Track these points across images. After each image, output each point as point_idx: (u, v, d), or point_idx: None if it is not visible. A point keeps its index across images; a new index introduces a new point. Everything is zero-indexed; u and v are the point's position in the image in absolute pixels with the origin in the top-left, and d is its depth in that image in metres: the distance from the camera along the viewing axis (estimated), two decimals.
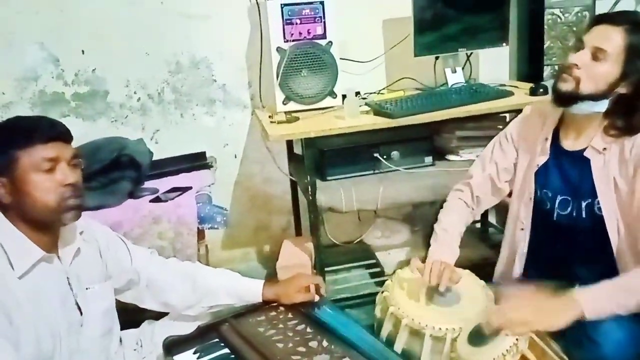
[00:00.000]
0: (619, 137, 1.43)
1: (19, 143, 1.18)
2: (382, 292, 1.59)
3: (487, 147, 1.77)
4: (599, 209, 1.46)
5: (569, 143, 1.53)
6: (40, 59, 2.31)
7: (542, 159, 1.58)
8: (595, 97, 1.41)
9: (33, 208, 1.20)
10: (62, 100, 2.37)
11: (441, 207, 1.79)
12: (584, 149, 1.48)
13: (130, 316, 1.56)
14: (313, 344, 1.32)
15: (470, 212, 1.76)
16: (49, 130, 1.22)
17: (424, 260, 1.64)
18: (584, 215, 1.50)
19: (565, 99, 1.46)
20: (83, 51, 2.34)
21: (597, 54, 1.39)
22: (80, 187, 1.26)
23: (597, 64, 1.39)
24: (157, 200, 1.96)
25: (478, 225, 2.74)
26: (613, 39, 1.37)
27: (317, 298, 1.51)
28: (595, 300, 1.27)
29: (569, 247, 1.55)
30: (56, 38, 2.30)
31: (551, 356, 1.27)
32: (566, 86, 1.43)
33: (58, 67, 2.33)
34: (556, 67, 2.48)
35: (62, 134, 1.24)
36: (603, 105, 1.43)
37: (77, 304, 1.30)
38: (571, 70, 1.41)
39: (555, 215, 1.55)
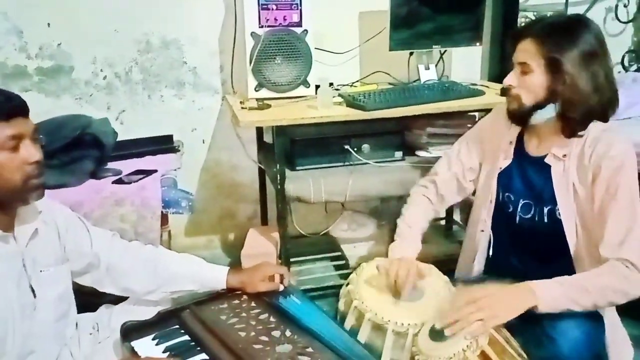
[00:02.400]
0: (574, 135, 1.46)
1: None
2: (347, 285, 1.58)
3: (453, 145, 1.78)
4: (560, 214, 1.49)
5: (533, 148, 1.56)
6: (3, 30, 2.22)
7: (505, 163, 1.60)
8: (540, 106, 1.46)
9: None
10: (24, 74, 2.28)
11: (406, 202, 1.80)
12: (546, 155, 1.52)
13: (88, 299, 1.51)
14: (276, 333, 1.31)
15: (433, 209, 1.77)
16: (7, 106, 1.15)
17: (387, 255, 1.65)
18: (545, 220, 1.52)
19: (517, 117, 1.52)
20: (49, 24, 2.25)
21: (523, 69, 1.46)
22: (42, 165, 1.21)
23: (527, 77, 1.45)
24: (120, 182, 1.91)
25: (442, 222, 2.77)
26: (529, 50, 1.44)
27: (281, 288, 1.50)
28: (550, 293, 1.31)
29: (529, 250, 1.58)
30: (21, 9, 2.21)
31: (510, 353, 1.29)
32: (512, 106, 1.51)
33: (22, 39, 2.24)
34: None
35: (21, 108, 1.17)
36: (551, 110, 1.46)
37: (31, 286, 1.26)
38: (510, 92, 1.50)
39: (517, 218, 1.57)
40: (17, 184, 1.15)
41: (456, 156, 1.74)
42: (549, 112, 1.46)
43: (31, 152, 1.17)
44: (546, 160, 1.51)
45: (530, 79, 1.44)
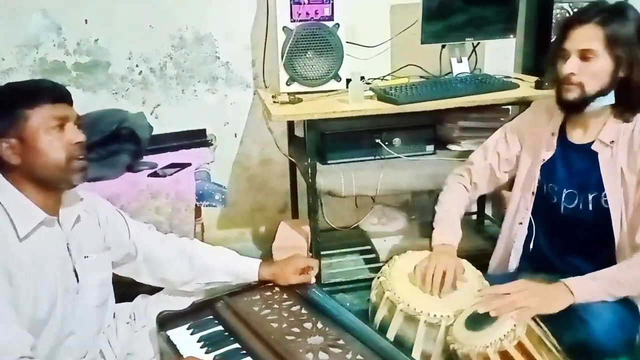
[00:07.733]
0: (629, 120, 1.46)
1: (26, 103, 1.20)
2: (379, 277, 1.59)
3: (491, 136, 1.79)
4: (605, 201, 1.49)
5: (577, 137, 1.56)
6: (43, 27, 2.28)
7: (548, 154, 1.59)
8: (603, 92, 1.44)
9: (44, 167, 1.21)
10: (62, 69, 2.33)
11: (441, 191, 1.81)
12: (592, 142, 1.50)
13: (124, 290, 1.55)
14: (307, 325, 1.33)
15: (468, 196, 1.78)
16: (53, 91, 1.24)
17: (421, 248, 1.66)
18: (590, 208, 1.52)
19: (576, 106, 1.48)
20: (86, 21, 2.30)
21: (585, 55, 1.42)
22: (85, 149, 1.28)
23: (590, 64, 1.42)
24: (155, 175, 1.95)
25: (474, 217, 2.75)
26: (592, 36, 1.41)
27: (313, 280, 1.51)
28: (586, 290, 1.32)
29: (571, 242, 1.57)
30: (60, 6, 2.26)
31: (547, 345, 1.28)
32: (572, 94, 1.46)
33: (60, 35, 2.30)
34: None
35: (65, 95, 1.26)
36: (612, 96, 1.45)
37: (74, 270, 1.30)
38: (570, 80, 1.45)
39: (562, 209, 1.57)
40: (62, 163, 1.22)
41: (493, 147, 1.75)
42: (609, 99, 1.45)
43: (75, 133, 1.25)
44: (593, 147, 1.50)
45: (594, 64, 1.42)
